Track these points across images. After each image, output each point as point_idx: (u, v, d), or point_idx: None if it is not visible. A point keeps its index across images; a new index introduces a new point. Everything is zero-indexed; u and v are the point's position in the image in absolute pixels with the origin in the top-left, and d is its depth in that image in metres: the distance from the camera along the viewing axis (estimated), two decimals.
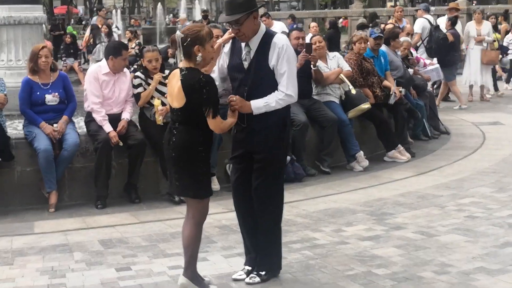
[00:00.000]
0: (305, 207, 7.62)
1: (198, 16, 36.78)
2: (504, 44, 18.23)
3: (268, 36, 5.35)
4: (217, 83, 5.26)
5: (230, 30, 5.40)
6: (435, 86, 15.82)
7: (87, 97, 8.11)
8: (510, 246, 6.09)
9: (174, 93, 5.03)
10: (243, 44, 5.39)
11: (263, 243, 5.49)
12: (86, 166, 8.02)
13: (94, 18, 23.36)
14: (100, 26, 19.72)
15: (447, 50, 14.35)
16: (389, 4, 56.98)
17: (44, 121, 7.88)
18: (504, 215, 7.09)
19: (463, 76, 16.20)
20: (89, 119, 8.11)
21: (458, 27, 15.98)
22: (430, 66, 12.81)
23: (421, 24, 15.92)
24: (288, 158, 8.85)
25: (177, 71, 5.06)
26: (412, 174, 9.11)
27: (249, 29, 5.28)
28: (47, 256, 6.20)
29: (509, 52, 17.89)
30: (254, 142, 5.35)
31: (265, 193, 5.41)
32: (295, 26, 19.08)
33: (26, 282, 5.55)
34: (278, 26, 18.98)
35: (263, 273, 5.43)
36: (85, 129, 8.23)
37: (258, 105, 5.24)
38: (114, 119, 8.04)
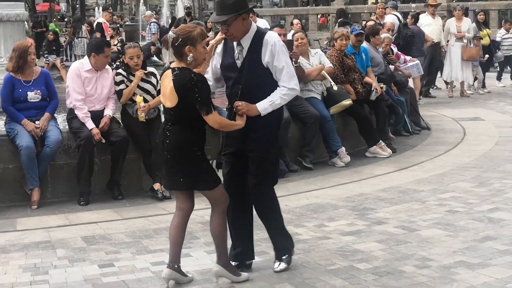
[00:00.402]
0: (288, 202, 7.62)
1: (181, 12, 36.68)
2: (497, 39, 17.95)
3: (260, 34, 5.37)
4: (210, 83, 5.30)
5: (221, 30, 5.43)
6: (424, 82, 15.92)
7: (69, 94, 8.07)
8: (490, 240, 6.12)
9: (167, 93, 5.04)
10: (235, 44, 5.41)
11: (272, 234, 5.66)
12: (69, 163, 7.98)
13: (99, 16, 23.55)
14: (105, 22, 19.67)
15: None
16: (370, 1, 57.07)
17: (26, 118, 7.83)
18: (484, 209, 7.13)
19: (444, 72, 16.30)
20: (71, 116, 8.07)
21: (438, 23, 16.05)
22: (411, 62, 12.85)
23: (391, 21, 16.02)
24: None
25: (169, 71, 5.08)
26: (393, 170, 9.15)
27: (238, 30, 5.29)
28: (30, 253, 6.16)
29: (501, 47, 17.67)
30: (250, 140, 5.38)
31: (263, 191, 5.53)
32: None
33: (9, 279, 5.51)
34: (261, 24, 19.02)
35: (284, 257, 5.61)
36: (67, 126, 8.18)
37: (264, 105, 5.29)
38: (96, 116, 8.01)
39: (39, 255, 6.10)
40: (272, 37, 5.37)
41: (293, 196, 7.94)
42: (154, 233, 6.65)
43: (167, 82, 5.06)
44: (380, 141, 10.00)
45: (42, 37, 23.73)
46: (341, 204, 7.50)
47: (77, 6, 61.26)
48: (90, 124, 7.87)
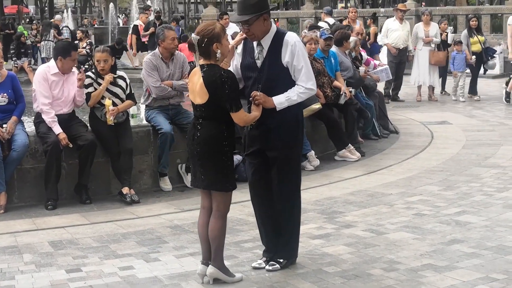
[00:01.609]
0: None
1: (151, 16, 36.55)
2: None
3: (280, 35, 5.50)
4: None
5: (242, 30, 5.53)
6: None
7: (36, 97, 7.99)
8: (457, 243, 6.17)
9: (196, 89, 5.13)
10: (255, 44, 5.53)
11: (283, 233, 5.67)
12: (36, 167, 7.91)
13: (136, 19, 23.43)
14: (142, 24, 19.45)
15: None
16: (340, 5, 57.42)
17: None
18: (451, 212, 7.19)
19: (411, 77, 16.41)
20: (39, 120, 8.00)
21: (406, 28, 16.16)
22: (379, 67, 12.94)
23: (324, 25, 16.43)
24: (240, 157, 8.87)
25: (197, 68, 5.14)
26: (362, 173, 9.19)
27: (259, 29, 5.41)
28: None
29: (495, 55, 17.04)
30: (269, 139, 5.49)
31: (285, 191, 5.60)
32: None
33: None
34: (232, 27, 19.07)
35: (281, 260, 5.63)
36: (34, 130, 8.10)
37: (280, 100, 5.39)
38: (64, 119, 7.95)
39: (5, 260, 6.03)
40: (292, 38, 5.50)
41: None
42: (122, 238, 6.60)
43: (196, 79, 5.14)
44: (349, 144, 10.05)
45: (10, 39, 23.50)
46: (310, 207, 7.51)
47: (46, 8, 60.82)
48: (57, 129, 7.79)
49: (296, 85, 5.45)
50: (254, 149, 5.60)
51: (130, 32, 21.09)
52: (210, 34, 5.06)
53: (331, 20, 17.72)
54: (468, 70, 16.21)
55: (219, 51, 5.08)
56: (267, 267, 5.62)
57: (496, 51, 17.18)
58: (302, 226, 6.74)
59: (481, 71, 17.02)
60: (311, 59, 10.17)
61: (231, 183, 5.27)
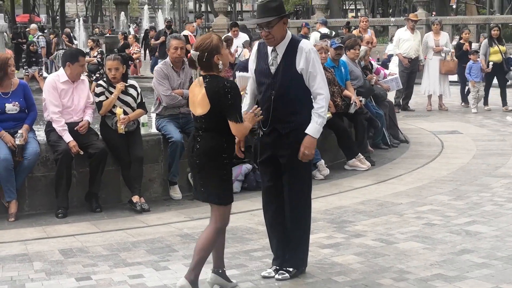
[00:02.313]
0: None
1: (161, 25, 36.69)
2: None
3: (295, 42, 5.54)
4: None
5: (261, 33, 5.52)
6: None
7: (47, 106, 8.03)
8: (467, 253, 6.16)
9: (198, 100, 5.06)
10: (269, 50, 5.56)
11: (292, 241, 5.68)
12: (47, 175, 7.93)
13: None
14: (191, 34, 19.45)
15: None
16: (350, 14, 57.44)
17: (4, 129, 7.77)
18: (461, 222, 7.17)
19: (422, 86, 16.40)
20: (49, 129, 8.02)
21: (417, 38, 16.14)
22: (390, 76, 12.93)
23: (315, 37, 16.74)
24: (250, 166, 8.88)
25: (200, 78, 5.09)
26: (372, 182, 9.17)
27: (279, 33, 5.45)
28: (7, 265, 6.10)
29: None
30: (281, 145, 5.51)
31: (295, 198, 5.61)
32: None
33: None
34: (242, 37, 19.11)
35: (291, 269, 5.63)
36: (45, 138, 8.13)
37: (314, 129, 5.42)
38: (74, 127, 7.96)
39: (15, 268, 6.04)
40: (307, 45, 5.56)
41: None
42: (132, 246, 6.61)
43: (197, 90, 5.07)
44: (359, 154, 10.04)
45: (21, 48, 23.60)
46: (320, 216, 7.51)
47: (57, 17, 61.10)
48: (67, 137, 7.81)
49: (314, 103, 5.47)
50: (267, 155, 5.64)
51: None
52: (210, 47, 4.99)
53: (325, 30, 18.10)
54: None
55: (220, 62, 5.03)
56: (276, 276, 5.61)
57: None
58: (312, 235, 6.73)
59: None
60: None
61: (229, 196, 5.21)
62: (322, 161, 9.48)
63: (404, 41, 15.99)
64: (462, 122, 14.27)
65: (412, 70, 16.07)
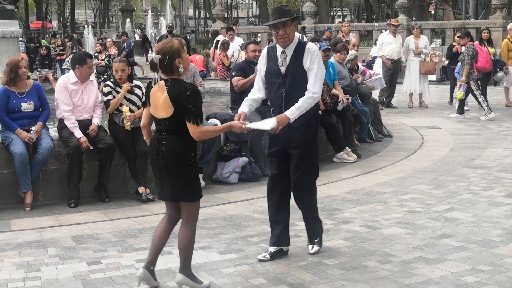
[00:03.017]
0: (262, 204, 7.58)
1: (164, 30, 36.67)
2: None
3: (302, 44, 5.68)
4: (262, 92, 5.75)
5: (275, 33, 5.59)
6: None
7: (58, 105, 8.03)
8: (446, 238, 6.16)
9: (160, 103, 4.79)
10: (278, 52, 5.64)
11: (308, 220, 5.91)
12: (59, 168, 7.92)
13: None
14: (226, 38, 19.25)
15: None
16: (337, 20, 57.41)
17: (19, 127, 7.77)
18: (441, 209, 7.18)
19: (403, 85, 16.40)
20: (61, 125, 8.02)
21: (398, 41, 16.14)
22: (374, 76, 12.94)
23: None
24: (246, 159, 8.87)
25: (162, 82, 4.84)
26: (358, 173, 9.18)
27: (292, 33, 5.59)
28: (23, 251, 6.10)
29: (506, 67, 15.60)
30: (292, 138, 5.58)
31: (305, 182, 5.73)
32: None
33: (4, 276, 5.45)
34: (237, 40, 19.11)
35: (316, 240, 5.89)
36: (58, 134, 8.11)
37: (292, 111, 5.43)
38: (84, 124, 7.97)
39: (31, 253, 6.04)
40: (313, 46, 5.67)
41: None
42: (138, 233, 6.61)
43: (159, 94, 4.81)
44: (347, 147, 10.04)
45: (35, 52, 23.53)
46: None
47: (68, 24, 60.94)
48: (78, 133, 7.81)
49: (305, 96, 5.50)
50: (277, 148, 5.69)
51: (213, 47, 20.58)
52: (171, 51, 4.75)
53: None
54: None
55: (181, 65, 4.79)
56: (310, 251, 5.82)
57: (505, 63, 15.91)
58: (302, 222, 6.75)
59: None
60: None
61: (197, 193, 4.96)
62: None
63: (387, 44, 16.00)
64: (440, 118, 14.26)
65: (394, 71, 16.08)
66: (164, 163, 4.84)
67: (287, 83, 5.57)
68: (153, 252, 5.08)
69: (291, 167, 5.67)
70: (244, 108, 5.63)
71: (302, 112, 5.46)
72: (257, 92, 5.79)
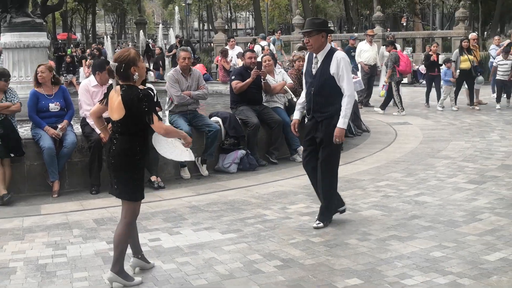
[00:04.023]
0: (258, 190, 7.61)
1: (173, 40, 36.51)
2: (494, 64, 15.38)
3: (332, 51, 5.85)
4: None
5: (304, 40, 5.93)
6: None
7: (81, 105, 8.00)
8: (416, 219, 6.16)
9: (114, 106, 4.52)
10: (314, 56, 5.86)
11: (324, 199, 6.00)
12: (82, 160, 7.89)
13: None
14: (229, 48, 19.03)
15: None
16: None
17: (47, 124, 7.75)
18: (412, 194, 7.17)
19: (379, 87, 16.36)
20: (84, 123, 7.98)
21: (374, 49, 16.11)
22: (353, 79, 12.89)
23: (257, 49, 17.66)
24: (244, 152, 8.85)
25: (117, 87, 4.54)
26: (340, 163, 8.96)
27: (316, 42, 5.75)
28: (51, 232, 6.09)
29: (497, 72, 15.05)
30: (317, 129, 5.86)
31: (327, 165, 5.91)
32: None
33: (35, 254, 5.44)
34: (237, 49, 19.10)
35: (321, 224, 5.95)
36: (81, 131, 8.09)
37: (341, 122, 5.68)
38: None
39: (58, 234, 6.03)
40: (340, 54, 5.82)
41: (262, 185, 7.92)
42: (151, 216, 6.58)
43: (115, 97, 4.54)
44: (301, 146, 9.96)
45: (61, 60, 23.46)
46: (300, 191, 7.50)
47: (90, 35, 60.74)
48: (98, 130, 7.76)
49: (342, 101, 5.71)
50: (309, 137, 5.95)
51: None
52: (127, 59, 4.49)
53: (264, 43, 19.25)
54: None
55: (136, 73, 4.51)
56: (314, 225, 5.93)
57: (482, 69, 15.74)
58: (293, 205, 6.78)
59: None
60: (299, 74, 10.14)
61: (139, 193, 4.63)
62: (301, 147, 9.40)
63: (364, 52, 15.97)
64: (411, 115, 14.24)
65: (371, 75, 16.06)
66: (112, 161, 4.58)
67: (315, 83, 5.81)
68: (132, 244, 4.88)
69: (319, 151, 5.97)
70: (297, 115, 6.12)
71: (348, 116, 5.69)
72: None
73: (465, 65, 14.92)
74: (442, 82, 15.11)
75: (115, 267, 4.63)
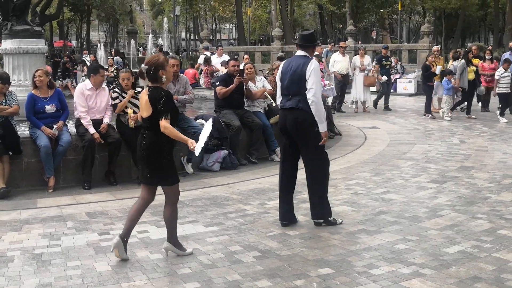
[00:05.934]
0: (239, 187, 7.61)
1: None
2: (496, 77, 14.14)
3: (308, 60, 5.77)
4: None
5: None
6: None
7: (76, 107, 7.95)
8: (383, 214, 6.21)
9: (143, 105, 4.78)
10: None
11: (316, 200, 5.83)
12: (76, 158, 7.83)
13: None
14: (217, 56, 18.76)
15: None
16: None
17: (44, 124, 7.68)
18: (379, 192, 7.22)
19: (351, 95, 16.48)
20: (78, 123, 7.93)
21: (346, 60, 16.20)
22: (327, 87, 12.96)
23: (202, 57, 17.86)
24: (226, 152, 8.84)
25: (146, 88, 4.86)
26: None
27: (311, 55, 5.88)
28: (47, 224, 6.03)
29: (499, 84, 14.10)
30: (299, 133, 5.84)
31: (314, 168, 5.92)
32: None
33: (31, 244, 5.38)
34: (224, 57, 19.08)
35: (321, 221, 5.83)
36: (75, 131, 8.03)
37: (320, 124, 5.66)
38: (97, 123, 7.90)
39: (53, 226, 5.97)
40: (313, 62, 5.72)
41: (243, 182, 7.92)
42: None
43: (144, 97, 4.79)
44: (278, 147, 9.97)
45: (57, 65, 23.21)
46: (277, 188, 7.43)
47: (84, 43, 60.24)
48: (91, 130, 7.75)
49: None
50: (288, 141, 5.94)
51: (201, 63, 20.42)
52: (156, 63, 4.69)
53: (208, 53, 19.19)
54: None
55: (164, 76, 4.71)
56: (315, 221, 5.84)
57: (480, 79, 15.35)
58: (271, 201, 6.78)
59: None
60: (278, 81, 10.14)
61: (173, 178, 4.80)
62: (279, 148, 9.45)
63: (338, 62, 16.05)
64: (379, 120, 14.36)
65: (344, 83, 16.15)
66: (143, 154, 4.76)
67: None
68: (128, 227, 4.93)
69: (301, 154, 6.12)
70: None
71: (320, 116, 5.61)
72: None
73: (471, 76, 14.59)
74: (444, 92, 14.53)
75: (171, 239, 4.91)
